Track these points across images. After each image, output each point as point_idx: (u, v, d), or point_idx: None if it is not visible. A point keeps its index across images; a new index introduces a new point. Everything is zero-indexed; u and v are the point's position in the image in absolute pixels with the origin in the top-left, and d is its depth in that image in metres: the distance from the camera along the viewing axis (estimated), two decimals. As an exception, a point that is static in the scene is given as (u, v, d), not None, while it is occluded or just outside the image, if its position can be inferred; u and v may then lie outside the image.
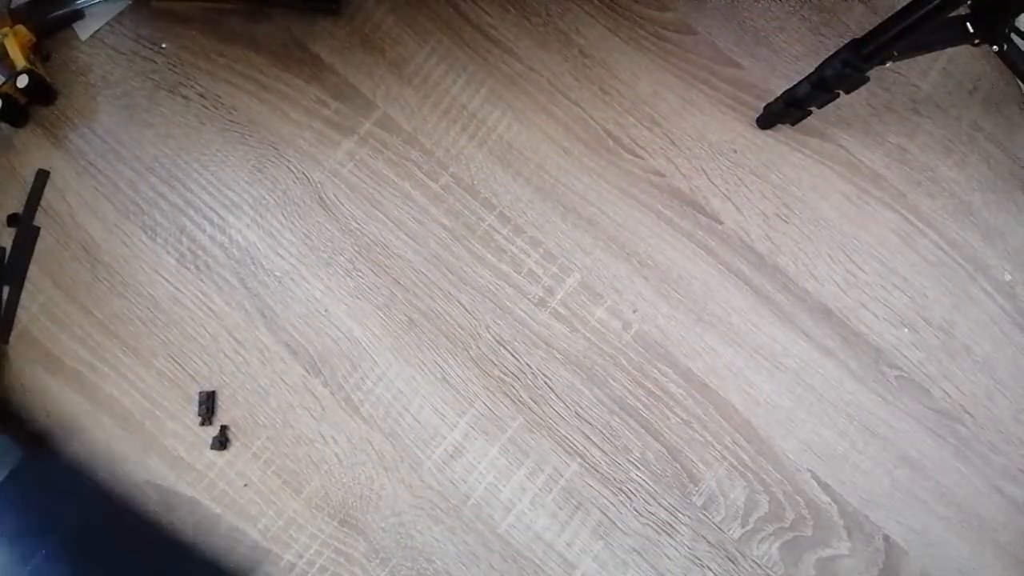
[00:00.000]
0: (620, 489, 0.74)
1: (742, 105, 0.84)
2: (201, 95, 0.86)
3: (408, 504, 0.74)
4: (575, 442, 0.75)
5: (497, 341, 0.78)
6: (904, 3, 0.64)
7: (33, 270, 0.83)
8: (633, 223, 0.81)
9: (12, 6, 0.88)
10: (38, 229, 0.84)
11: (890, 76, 0.85)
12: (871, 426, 0.76)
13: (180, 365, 0.78)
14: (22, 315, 0.82)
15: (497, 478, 0.74)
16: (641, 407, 0.76)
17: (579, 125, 0.84)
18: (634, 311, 0.79)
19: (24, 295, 0.82)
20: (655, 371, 0.77)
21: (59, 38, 0.90)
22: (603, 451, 0.75)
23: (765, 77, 0.85)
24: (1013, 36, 0.70)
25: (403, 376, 0.77)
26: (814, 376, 0.77)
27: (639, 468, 0.74)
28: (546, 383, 0.77)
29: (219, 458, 0.76)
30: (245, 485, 0.75)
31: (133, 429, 0.77)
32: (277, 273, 0.80)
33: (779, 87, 0.80)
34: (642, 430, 0.75)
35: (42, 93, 0.85)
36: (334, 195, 0.82)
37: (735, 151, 0.83)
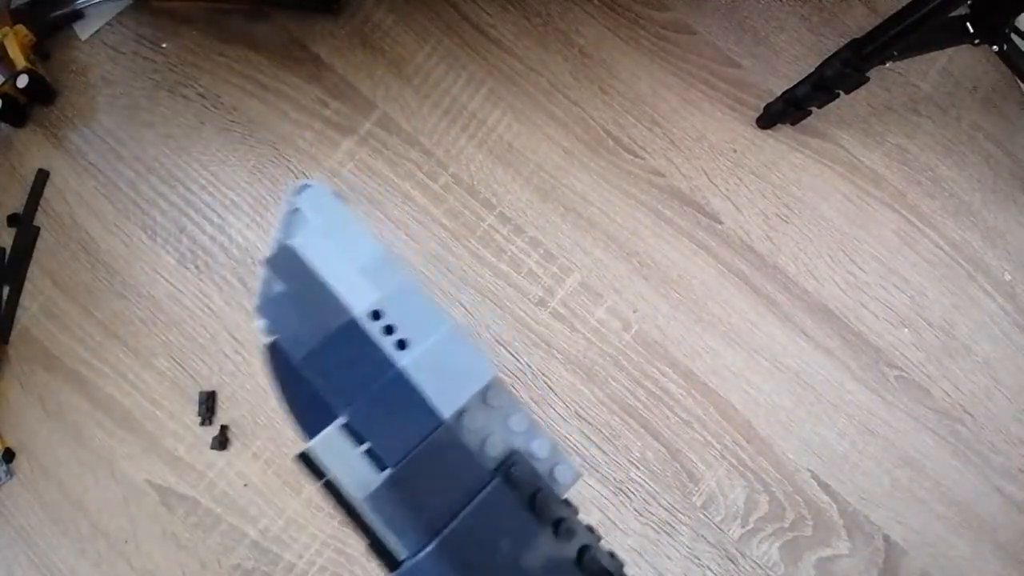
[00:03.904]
0: (620, 489, 0.74)
1: (742, 105, 0.84)
2: (201, 95, 0.86)
3: (408, 504, 0.74)
4: (575, 442, 0.75)
5: (497, 341, 0.78)
6: (904, 3, 0.64)
7: (33, 270, 0.83)
8: (633, 223, 0.81)
9: (12, 6, 0.88)
10: (38, 229, 0.84)
11: (890, 76, 0.85)
12: (871, 426, 0.76)
13: (180, 365, 0.78)
14: (22, 315, 0.82)
15: (497, 478, 0.74)
16: (641, 407, 0.76)
17: (579, 125, 0.84)
18: (634, 311, 0.79)
19: (24, 295, 0.82)
20: (655, 371, 0.77)
21: (59, 38, 0.90)
22: (603, 451, 0.75)
23: (765, 77, 0.85)
24: (1013, 36, 0.70)
25: (403, 376, 0.77)
26: (814, 376, 0.77)
27: (639, 468, 0.74)
28: (546, 383, 0.77)
29: (219, 458, 0.76)
30: (245, 485, 0.75)
31: (133, 429, 0.77)
32: (277, 273, 0.80)
33: (779, 87, 0.80)
34: (642, 430, 0.75)
35: (42, 93, 0.86)
36: (334, 195, 0.82)
37: (735, 151, 0.83)
